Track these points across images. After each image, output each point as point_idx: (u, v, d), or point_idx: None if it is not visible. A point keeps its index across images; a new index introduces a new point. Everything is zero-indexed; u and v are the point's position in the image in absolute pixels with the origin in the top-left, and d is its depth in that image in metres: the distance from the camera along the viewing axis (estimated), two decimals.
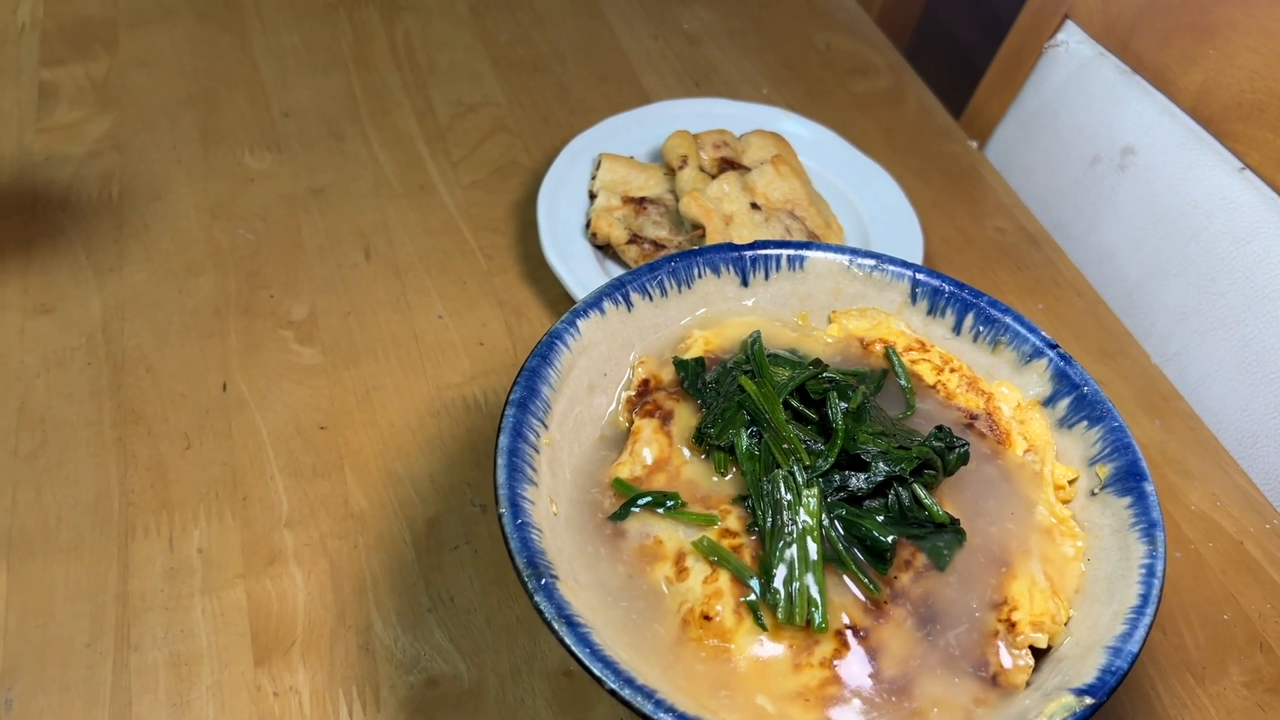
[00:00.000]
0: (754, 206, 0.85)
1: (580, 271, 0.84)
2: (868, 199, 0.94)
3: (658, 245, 0.86)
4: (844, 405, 0.60)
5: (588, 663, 0.49)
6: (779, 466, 0.58)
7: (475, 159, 1.00)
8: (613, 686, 0.49)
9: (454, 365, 0.83)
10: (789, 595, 0.55)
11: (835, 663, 0.54)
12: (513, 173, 0.99)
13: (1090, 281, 0.95)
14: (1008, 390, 0.66)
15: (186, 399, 0.78)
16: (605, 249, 0.88)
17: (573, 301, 0.86)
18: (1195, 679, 0.70)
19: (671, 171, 0.91)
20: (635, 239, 0.86)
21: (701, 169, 0.90)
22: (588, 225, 0.88)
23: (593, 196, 0.91)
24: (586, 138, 0.95)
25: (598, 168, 0.92)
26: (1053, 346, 0.66)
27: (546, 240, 0.86)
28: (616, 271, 0.88)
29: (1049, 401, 0.66)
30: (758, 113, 1.01)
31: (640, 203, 0.89)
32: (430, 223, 0.93)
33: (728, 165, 0.91)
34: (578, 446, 0.63)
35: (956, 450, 0.60)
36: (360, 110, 1.03)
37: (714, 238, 0.83)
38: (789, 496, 0.57)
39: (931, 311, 0.69)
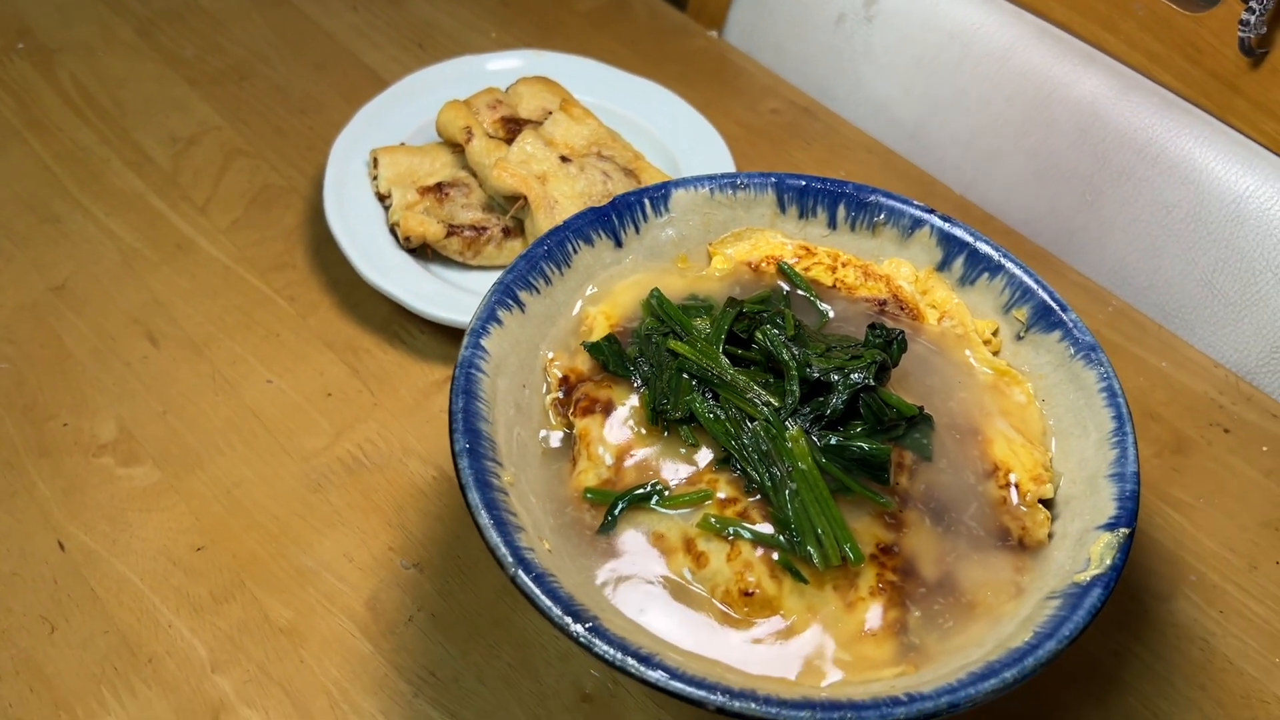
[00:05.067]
0: (563, 159, 0.80)
1: (409, 282, 0.77)
2: (652, 116, 0.91)
3: (478, 229, 0.80)
4: (780, 334, 0.58)
5: (684, 690, 0.46)
6: (748, 419, 0.56)
7: (223, 196, 0.88)
8: (720, 702, 0.46)
9: (311, 429, 0.74)
10: (817, 540, 0.53)
11: (882, 587, 0.53)
12: (272, 197, 0.88)
13: (875, 137, 0.97)
14: (902, 267, 0.67)
15: (20, 577, 0.65)
16: (422, 249, 0.80)
17: (408, 315, 0.79)
18: None
19: (456, 147, 0.84)
20: (452, 230, 0.79)
21: (490, 135, 0.83)
22: (393, 231, 0.80)
23: (382, 198, 0.82)
24: (345, 140, 0.86)
25: (375, 166, 0.83)
26: (930, 211, 0.67)
27: (360, 263, 0.77)
28: (442, 270, 0.81)
29: (942, 266, 0.67)
30: (509, 62, 0.95)
31: (438, 189, 0.81)
32: (208, 283, 0.82)
33: (512, 123, 0.85)
34: (531, 472, 0.58)
35: (896, 341, 0.60)
36: (64, 182, 0.88)
37: (538, 204, 0.78)
38: (772, 445, 0.55)
39: (803, 214, 0.68)
